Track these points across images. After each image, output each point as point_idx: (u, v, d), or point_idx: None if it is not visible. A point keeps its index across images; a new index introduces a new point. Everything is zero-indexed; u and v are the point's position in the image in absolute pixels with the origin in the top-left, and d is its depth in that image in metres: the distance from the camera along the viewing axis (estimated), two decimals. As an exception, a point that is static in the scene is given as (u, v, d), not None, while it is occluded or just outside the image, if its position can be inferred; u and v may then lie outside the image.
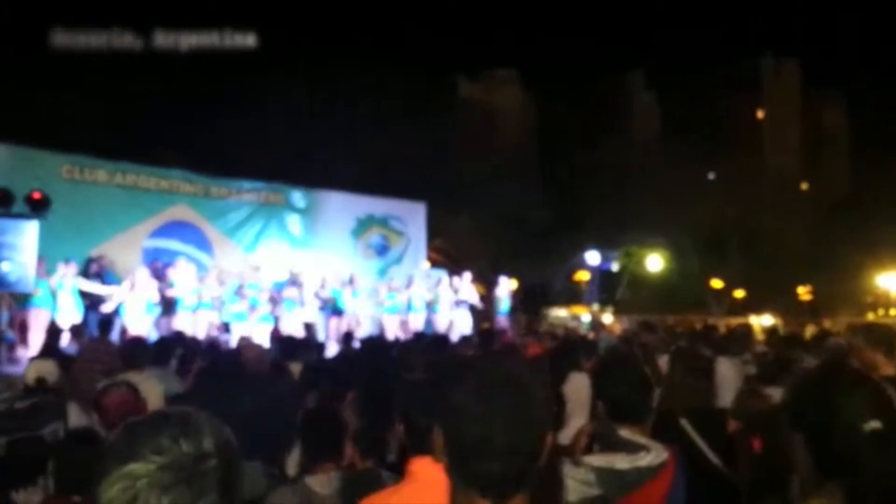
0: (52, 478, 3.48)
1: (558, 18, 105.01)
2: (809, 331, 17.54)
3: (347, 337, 12.11)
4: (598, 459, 2.64)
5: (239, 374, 6.26)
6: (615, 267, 37.65)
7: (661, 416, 3.55)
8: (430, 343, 9.50)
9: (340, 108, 43.96)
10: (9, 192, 11.72)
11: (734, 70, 74.50)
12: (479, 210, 41.60)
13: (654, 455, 2.64)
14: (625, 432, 2.75)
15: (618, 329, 21.38)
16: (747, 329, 13.93)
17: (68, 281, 12.91)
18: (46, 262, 12.69)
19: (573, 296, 36.87)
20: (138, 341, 8.11)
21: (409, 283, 17.58)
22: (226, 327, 13.75)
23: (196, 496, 1.35)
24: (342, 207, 19.50)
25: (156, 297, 13.58)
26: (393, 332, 16.22)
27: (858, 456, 1.87)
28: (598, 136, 61.94)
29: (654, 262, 39.37)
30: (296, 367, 7.00)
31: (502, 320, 18.26)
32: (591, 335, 14.52)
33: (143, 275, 13.50)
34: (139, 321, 12.95)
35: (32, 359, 7.30)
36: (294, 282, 16.12)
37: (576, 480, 2.54)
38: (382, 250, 19.97)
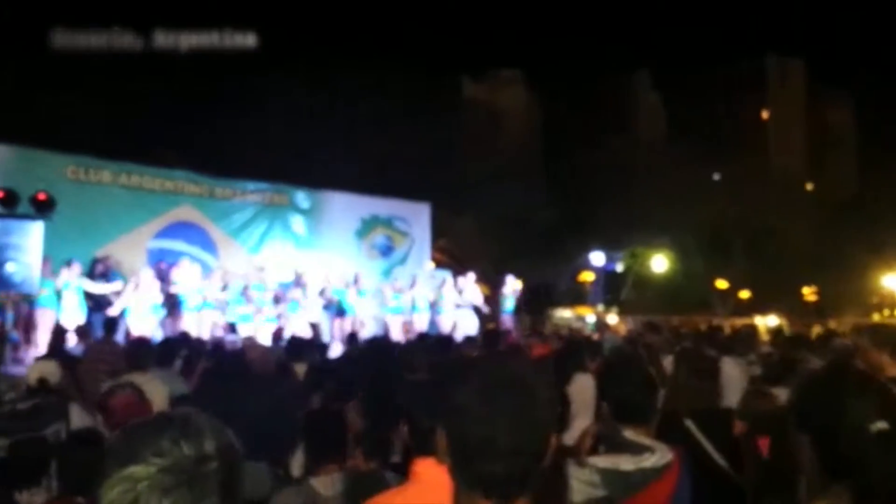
0: (55, 478, 3.49)
1: (563, 18, 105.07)
2: (815, 331, 17.52)
3: (352, 338, 12.11)
4: (602, 460, 2.64)
5: (244, 375, 6.26)
6: (620, 267, 37.56)
7: (666, 417, 3.54)
8: (433, 344, 9.49)
9: (344, 108, 43.95)
10: (14, 193, 11.73)
11: (739, 70, 74.50)
12: (483, 210, 41.56)
13: (659, 456, 2.63)
14: (629, 433, 2.74)
15: (622, 330, 21.40)
16: (752, 330, 13.94)
17: (73, 282, 12.94)
18: (52, 263, 12.72)
19: (578, 296, 36.81)
20: (143, 342, 8.12)
21: (412, 284, 17.58)
22: (231, 328, 13.76)
23: (197, 499, 1.34)
24: (346, 208, 19.49)
25: (160, 298, 13.60)
26: (397, 332, 16.22)
27: (864, 457, 1.86)
28: (603, 137, 61.91)
29: (659, 263, 39.30)
30: (301, 368, 7.00)
31: (507, 320, 18.24)
32: (595, 336, 14.51)
33: (147, 276, 13.53)
34: (144, 322, 12.97)
35: (37, 359, 7.31)
36: (299, 282, 16.13)
37: (580, 481, 2.54)
38: (387, 251, 19.96)
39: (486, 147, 59.72)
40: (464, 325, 16.83)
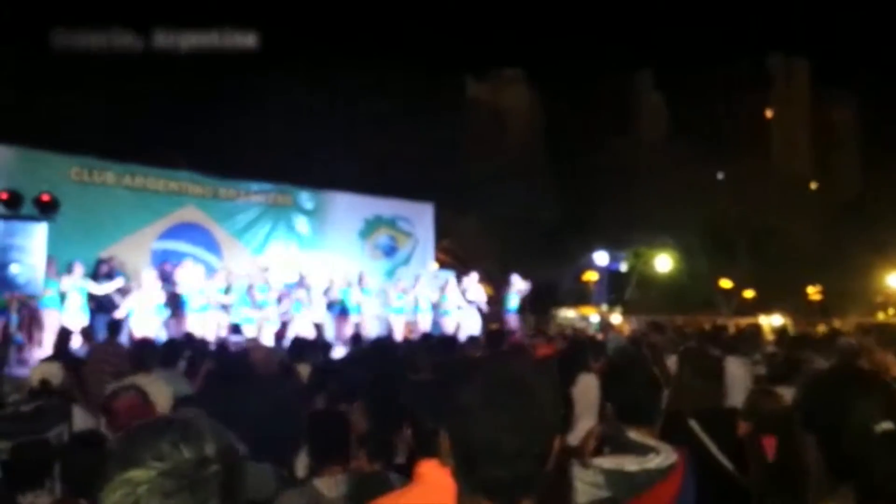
0: (58, 481, 3.49)
1: (566, 18, 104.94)
2: (820, 331, 17.49)
3: (355, 338, 12.11)
4: (607, 461, 2.63)
5: (247, 376, 6.26)
6: (624, 267, 37.52)
7: (670, 418, 3.53)
8: (437, 344, 9.49)
9: (346, 108, 43.88)
10: (18, 195, 11.73)
11: (743, 70, 74.38)
12: (486, 210, 41.53)
13: (664, 457, 2.62)
14: (634, 434, 2.73)
15: (626, 330, 21.37)
16: (757, 329, 13.92)
17: (76, 284, 12.97)
18: (56, 264, 12.74)
19: (581, 296, 36.78)
20: (146, 343, 8.13)
21: (415, 284, 17.59)
22: (235, 329, 13.78)
23: (198, 502, 1.34)
24: (350, 208, 19.51)
25: (163, 299, 13.61)
26: (400, 332, 16.23)
27: (870, 457, 1.85)
28: (606, 137, 61.81)
29: (663, 263, 39.28)
30: (304, 369, 7.00)
31: (511, 320, 18.22)
32: (599, 336, 14.49)
33: (150, 276, 13.54)
34: (148, 323, 12.98)
35: (41, 361, 7.32)
36: (302, 283, 16.14)
37: (585, 483, 2.53)
38: (390, 251, 19.97)
39: (490, 147, 59.60)
40: (467, 326, 16.84)
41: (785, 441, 3.63)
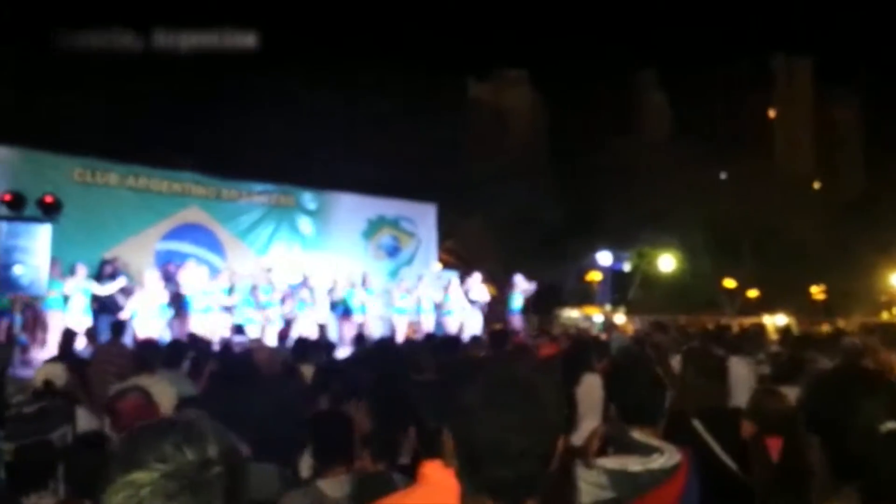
0: (62, 482, 3.49)
1: (568, 18, 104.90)
2: (824, 330, 17.47)
3: (359, 338, 12.11)
4: (610, 462, 2.62)
5: (251, 377, 6.26)
6: (627, 267, 37.56)
7: (674, 418, 3.52)
8: (440, 344, 9.48)
9: (347, 108, 43.79)
10: (21, 196, 11.76)
11: (745, 69, 74.30)
12: (489, 211, 41.49)
13: (668, 457, 2.61)
14: (637, 434, 2.72)
15: (630, 329, 21.38)
16: (760, 329, 13.91)
17: (80, 285, 12.98)
18: (60, 265, 12.75)
19: (585, 296, 36.79)
20: (150, 344, 8.13)
21: (418, 284, 17.58)
22: (239, 329, 13.80)
23: None
24: (353, 209, 19.51)
25: (167, 300, 13.63)
26: (403, 333, 16.23)
27: (874, 457, 1.85)
28: (609, 137, 61.73)
29: (667, 263, 39.27)
30: (308, 369, 7.00)
31: (515, 320, 18.20)
32: (603, 336, 14.49)
33: (153, 277, 13.55)
34: (151, 324, 12.99)
35: (45, 362, 7.33)
36: (306, 283, 16.15)
37: (588, 483, 2.52)
38: (393, 251, 19.97)
39: (492, 147, 59.56)
40: (470, 326, 16.83)
41: (789, 441, 3.62)
